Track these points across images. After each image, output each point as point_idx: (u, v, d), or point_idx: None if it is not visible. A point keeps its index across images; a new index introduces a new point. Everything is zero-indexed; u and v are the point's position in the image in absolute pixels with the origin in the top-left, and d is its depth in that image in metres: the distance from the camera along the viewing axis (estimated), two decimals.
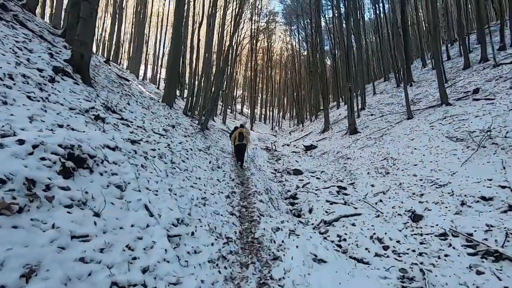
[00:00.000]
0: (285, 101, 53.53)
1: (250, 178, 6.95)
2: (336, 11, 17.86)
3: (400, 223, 5.25)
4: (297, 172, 10.54)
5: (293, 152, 15.71)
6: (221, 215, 4.15)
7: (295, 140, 20.88)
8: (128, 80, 9.67)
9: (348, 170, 9.89)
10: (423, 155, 7.94)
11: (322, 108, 31.83)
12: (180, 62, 12.59)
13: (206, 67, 16.51)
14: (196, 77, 17.81)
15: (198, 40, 19.07)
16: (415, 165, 7.60)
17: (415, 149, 8.63)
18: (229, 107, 41.70)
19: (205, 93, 13.76)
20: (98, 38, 30.00)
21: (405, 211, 5.64)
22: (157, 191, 3.40)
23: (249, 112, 43.94)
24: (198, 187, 4.51)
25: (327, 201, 6.60)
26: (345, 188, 7.84)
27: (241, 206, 5.00)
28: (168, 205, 3.30)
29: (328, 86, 38.58)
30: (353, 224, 5.36)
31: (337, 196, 7.24)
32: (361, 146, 12.21)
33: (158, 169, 3.81)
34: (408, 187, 6.69)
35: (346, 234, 5.00)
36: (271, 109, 48.44)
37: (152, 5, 30.58)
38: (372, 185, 7.62)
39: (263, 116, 46.35)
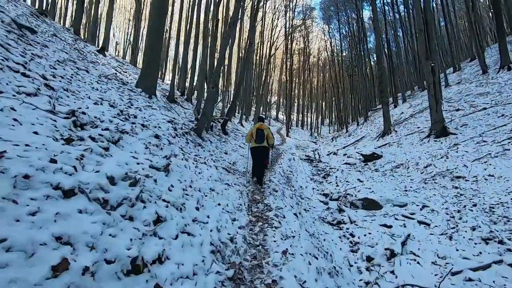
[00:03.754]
0: (323, 105, 47.86)
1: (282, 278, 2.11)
2: None
3: None
4: (370, 204, 5.60)
5: (346, 163, 10.64)
6: None
7: (344, 147, 15.65)
8: (34, 32, 5.30)
9: (486, 207, 4.67)
10: None
11: (372, 108, 25.91)
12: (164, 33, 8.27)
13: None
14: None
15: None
16: None
17: None
18: (263, 112, 37.47)
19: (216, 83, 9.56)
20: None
21: None
22: None
23: (284, 118, 39.26)
24: None
25: None
26: None
27: None
28: None
29: (376, 84, 32.44)
30: None
31: None
32: (479, 157, 6.80)
33: None
34: None
35: None
36: (308, 114, 43.30)
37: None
38: None
39: (299, 122, 41.25)
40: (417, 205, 5.22)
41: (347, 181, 7.66)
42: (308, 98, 41.16)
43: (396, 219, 4.76)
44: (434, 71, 9.64)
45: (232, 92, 21.21)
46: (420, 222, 4.46)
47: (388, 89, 25.62)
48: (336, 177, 8.43)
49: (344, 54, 35.67)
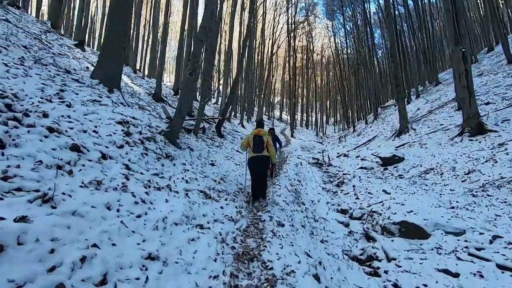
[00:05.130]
0: (327, 104, 46.20)
1: None
2: None
3: None
4: (411, 230, 4.10)
5: (361, 168, 9.08)
6: None
7: (355, 148, 14.04)
8: None
9: None
10: None
11: (382, 106, 24.18)
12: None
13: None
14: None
15: None
16: None
17: None
18: (266, 113, 35.98)
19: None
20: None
21: None
22: None
23: (288, 118, 37.69)
24: None
25: None
26: None
27: None
28: None
29: (382, 81, 30.74)
30: None
31: None
32: None
33: None
34: None
35: None
36: (313, 113, 41.73)
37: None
38: None
39: (304, 121, 39.62)
40: (481, 233, 3.65)
41: (369, 193, 6.10)
42: (312, 97, 39.54)
43: (458, 258, 3.20)
44: (466, 57, 8.03)
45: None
46: (502, 268, 2.89)
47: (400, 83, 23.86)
48: (354, 186, 6.86)
49: (349, 51, 33.95)
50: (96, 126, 2.94)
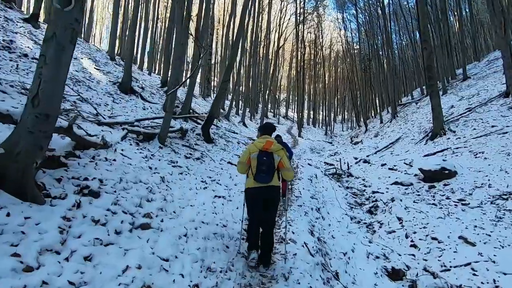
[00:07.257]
0: (335, 101, 43.53)
1: None
2: None
3: None
4: None
5: (396, 183, 6.73)
6: None
7: (375, 153, 11.62)
8: None
9: None
10: None
11: (400, 103, 21.44)
12: None
13: None
14: None
15: None
16: None
17: None
18: (271, 110, 33.58)
19: None
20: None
21: None
22: None
23: (294, 115, 35.21)
24: None
25: None
26: None
27: None
28: None
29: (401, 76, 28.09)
30: None
31: None
32: None
33: None
34: None
35: None
36: (319, 110, 39.15)
37: None
38: None
39: (311, 119, 36.97)
40: None
41: (433, 238, 3.75)
42: (321, 93, 36.91)
43: None
44: None
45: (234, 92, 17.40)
46: None
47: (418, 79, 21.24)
48: (400, 220, 4.52)
49: (361, 44, 31.10)
50: None
